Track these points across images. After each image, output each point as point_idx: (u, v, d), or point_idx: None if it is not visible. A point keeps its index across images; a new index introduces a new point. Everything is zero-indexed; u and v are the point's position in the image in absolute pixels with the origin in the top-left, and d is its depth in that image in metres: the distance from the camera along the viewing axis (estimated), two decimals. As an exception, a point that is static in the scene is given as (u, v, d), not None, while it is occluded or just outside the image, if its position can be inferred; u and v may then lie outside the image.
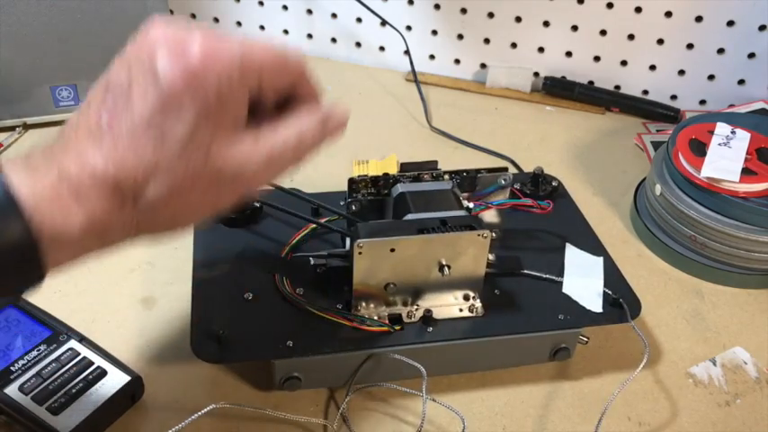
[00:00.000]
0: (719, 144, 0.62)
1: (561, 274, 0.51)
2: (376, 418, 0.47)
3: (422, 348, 0.46)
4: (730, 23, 0.77)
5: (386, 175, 0.51)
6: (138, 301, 0.55)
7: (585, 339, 0.50)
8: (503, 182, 0.52)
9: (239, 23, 0.94)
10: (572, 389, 0.50)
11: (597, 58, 0.85)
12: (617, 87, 0.86)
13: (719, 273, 0.60)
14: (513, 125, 0.82)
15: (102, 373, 0.46)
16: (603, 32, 0.83)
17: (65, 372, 0.45)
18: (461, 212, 0.47)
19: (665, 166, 0.63)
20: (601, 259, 0.53)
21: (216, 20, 0.94)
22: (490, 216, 0.54)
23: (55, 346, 0.47)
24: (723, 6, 0.76)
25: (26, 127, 0.75)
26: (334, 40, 0.93)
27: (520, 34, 0.86)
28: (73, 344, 0.47)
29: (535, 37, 0.85)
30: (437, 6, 0.86)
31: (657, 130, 0.81)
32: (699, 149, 0.61)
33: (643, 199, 0.67)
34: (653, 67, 0.83)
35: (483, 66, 0.89)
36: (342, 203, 0.54)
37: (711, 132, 0.63)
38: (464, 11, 0.85)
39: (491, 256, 0.50)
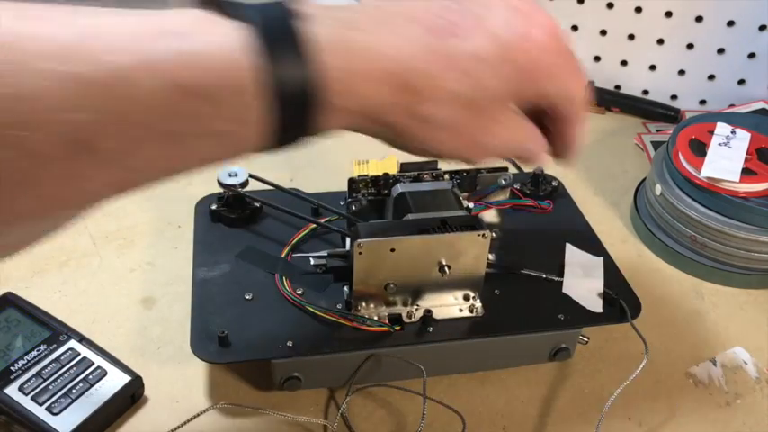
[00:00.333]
0: (719, 144, 0.62)
1: (561, 274, 0.51)
2: (376, 418, 0.47)
3: (422, 348, 0.46)
4: (730, 23, 0.77)
5: (386, 175, 0.51)
6: (138, 301, 0.55)
7: (585, 339, 0.50)
8: (503, 182, 0.52)
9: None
10: (572, 389, 0.50)
11: (597, 58, 0.85)
12: (617, 87, 0.86)
13: (719, 273, 0.60)
14: (513, 125, 0.82)
15: (102, 373, 0.46)
16: (603, 32, 0.83)
17: (65, 372, 0.45)
18: (461, 212, 0.47)
19: (665, 166, 0.63)
20: (601, 259, 0.53)
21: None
22: (490, 216, 0.54)
23: (55, 346, 0.47)
24: (723, 6, 0.76)
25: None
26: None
27: (520, 34, 0.85)
28: (73, 344, 0.47)
29: (535, 37, 0.85)
30: (437, 6, 0.86)
31: (657, 130, 0.81)
32: (699, 149, 0.61)
33: (643, 199, 0.67)
34: (653, 67, 0.83)
35: (483, 66, 0.89)
36: (342, 203, 0.54)
37: (711, 132, 0.63)
38: (464, 11, 0.85)
39: (491, 256, 0.50)
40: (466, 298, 0.47)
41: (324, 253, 0.50)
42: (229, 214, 0.54)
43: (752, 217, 0.57)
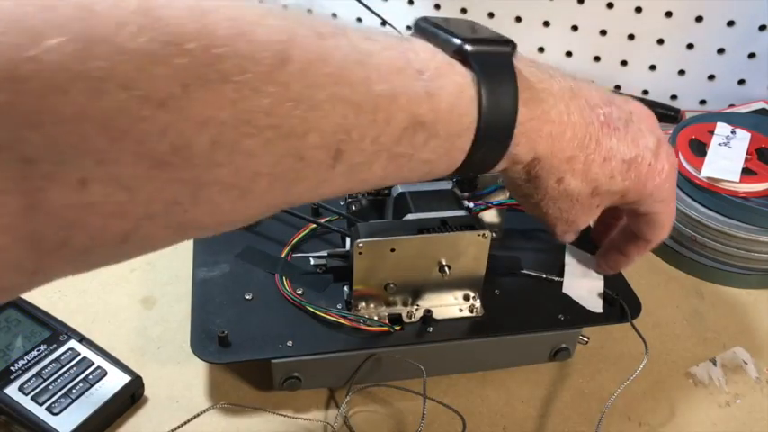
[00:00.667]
0: (719, 144, 0.62)
1: (561, 274, 0.51)
2: (376, 418, 0.47)
3: (422, 348, 0.46)
4: (730, 23, 0.77)
5: (386, 175, 0.50)
6: (138, 301, 0.55)
7: (585, 339, 0.50)
8: (503, 182, 0.52)
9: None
10: (572, 389, 0.50)
11: (597, 58, 0.85)
12: (617, 87, 0.86)
13: (719, 273, 0.60)
14: (513, 125, 0.82)
15: (102, 373, 0.46)
16: (603, 32, 0.83)
17: (65, 372, 0.45)
18: (461, 212, 0.47)
19: (665, 166, 0.63)
20: (601, 259, 0.53)
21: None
22: (490, 216, 0.54)
23: (55, 346, 0.47)
24: (723, 6, 0.76)
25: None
26: (334, 40, 0.92)
27: (520, 34, 0.85)
28: (73, 344, 0.47)
29: (535, 37, 0.85)
30: (437, 6, 0.86)
31: (657, 130, 0.81)
32: (699, 149, 0.61)
33: (643, 199, 0.67)
34: (653, 67, 0.83)
35: (483, 66, 0.89)
36: (342, 203, 0.54)
37: (711, 132, 0.63)
38: (464, 11, 0.85)
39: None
40: (466, 298, 0.47)
41: (324, 253, 0.50)
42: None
43: (752, 217, 0.57)
